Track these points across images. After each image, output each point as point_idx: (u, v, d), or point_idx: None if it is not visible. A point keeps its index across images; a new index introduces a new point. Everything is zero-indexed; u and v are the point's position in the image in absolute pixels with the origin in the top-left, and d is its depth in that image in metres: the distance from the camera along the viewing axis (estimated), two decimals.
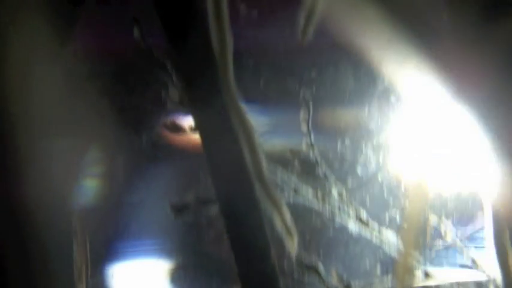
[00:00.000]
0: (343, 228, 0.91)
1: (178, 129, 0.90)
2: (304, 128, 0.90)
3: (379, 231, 0.91)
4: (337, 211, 0.90)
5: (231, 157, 0.65)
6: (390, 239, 0.91)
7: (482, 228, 0.91)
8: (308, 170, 0.91)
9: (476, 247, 0.92)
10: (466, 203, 0.91)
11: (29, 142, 0.62)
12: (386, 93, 0.89)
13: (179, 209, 0.88)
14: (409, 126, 0.89)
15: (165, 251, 0.95)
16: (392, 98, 0.89)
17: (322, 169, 0.91)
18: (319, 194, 0.90)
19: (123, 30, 0.85)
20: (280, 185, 0.89)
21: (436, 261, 0.93)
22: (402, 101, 0.87)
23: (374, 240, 0.91)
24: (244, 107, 0.62)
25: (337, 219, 0.91)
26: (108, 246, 0.91)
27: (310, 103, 0.89)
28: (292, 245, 0.65)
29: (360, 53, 0.72)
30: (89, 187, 0.89)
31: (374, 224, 0.91)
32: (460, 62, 0.63)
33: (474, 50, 0.62)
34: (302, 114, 0.90)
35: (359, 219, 0.91)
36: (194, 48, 0.64)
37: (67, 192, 0.71)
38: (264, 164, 0.63)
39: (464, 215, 0.93)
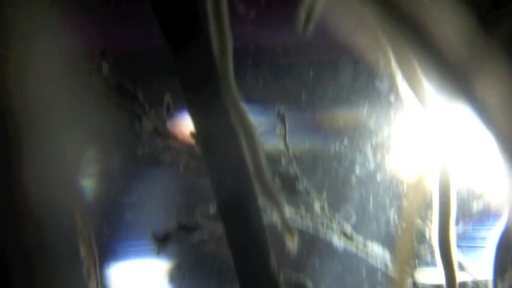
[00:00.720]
0: (329, 244, 0.91)
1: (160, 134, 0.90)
2: (281, 143, 0.89)
3: (365, 245, 0.91)
4: (320, 227, 0.90)
5: (231, 160, 0.65)
6: (376, 252, 0.90)
7: (477, 227, 0.92)
8: (289, 186, 0.90)
9: (469, 247, 0.92)
10: (461, 201, 0.91)
11: (32, 140, 0.62)
12: (385, 93, 0.89)
13: (162, 240, 0.88)
14: (408, 126, 0.89)
15: (164, 251, 0.95)
16: (392, 98, 0.89)
17: (303, 184, 0.90)
18: (302, 212, 0.90)
19: (123, 28, 0.85)
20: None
21: (427, 262, 0.93)
22: (401, 101, 0.87)
23: (361, 254, 0.91)
24: (245, 107, 0.62)
25: (322, 235, 0.90)
26: (107, 246, 0.91)
27: (286, 117, 0.89)
28: (292, 244, 0.65)
29: (359, 52, 0.73)
30: (88, 186, 0.89)
31: (359, 238, 0.91)
32: (461, 60, 0.63)
33: (476, 47, 0.62)
34: (278, 129, 0.89)
35: (343, 233, 0.90)
36: (194, 50, 0.64)
37: (70, 190, 0.71)
38: (265, 163, 0.63)
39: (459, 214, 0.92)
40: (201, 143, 0.67)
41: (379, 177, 0.93)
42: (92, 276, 0.85)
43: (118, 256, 0.95)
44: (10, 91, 0.61)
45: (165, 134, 0.88)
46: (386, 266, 0.90)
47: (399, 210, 0.92)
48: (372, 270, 0.92)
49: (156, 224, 0.94)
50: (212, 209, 0.87)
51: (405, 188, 0.91)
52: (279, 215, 0.65)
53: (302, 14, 0.64)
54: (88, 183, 0.89)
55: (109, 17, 0.86)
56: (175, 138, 0.87)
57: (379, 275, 0.91)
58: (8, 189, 0.62)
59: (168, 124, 0.88)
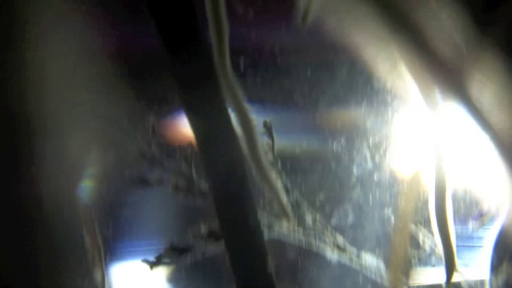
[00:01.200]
0: (322, 257, 0.90)
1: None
2: (270, 156, 0.88)
3: (358, 256, 0.90)
4: (313, 240, 0.89)
5: (230, 159, 0.66)
6: (370, 263, 0.90)
7: (475, 228, 0.92)
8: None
9: (466, 246, 0.92)
10: (458, 201, 0.91)
11: (43, 141, 0.62)
12: (382, 93, 0.89)
13: (154, 263, 0.87)
14: (405, 126, 0.89)
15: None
16: (388, 98, 0.89)
17: (293, 196, 0.88)
18: (293, 226, 0.88)
19: (125, 28, 0.85)
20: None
21: (426, 262, 0.93)
22: (397, 101, 0.87)
23: (355, 265, 0.90)
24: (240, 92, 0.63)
25: (315, 249, 0.89)
26: (107, 246, 0.91)
27: (273, 129, 0.88)
28: (289, 225, 0.66)
29: (355, 52, 0.73)
30: (89, 186, 0.89)
31: (353, 249, 0.90)
32: (455, 60, 0.63)
33: (469, 45, 0.62)
34: (266, 142, 0.88)
35: (336, 246, 0.89)
36: (191, 49, 0.64)
37: (74, 189, 0.71)
38: (261, 147, 0.63)
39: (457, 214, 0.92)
40: (198, 143, 0.68)
41: (376, 177, 0.93)
42: (97, 266, 0.85)
43: (118, 256, 0.95)
44: (27, 95, 0.61)
45: (151, 157, 0.87)
46: (381, 276, 0.90)
47: (397, 210, 0.92)
48: (366, 280, 0.91)
49: (156, 224, 0.94)
50: (204, 229, 0.87)
51: (403, 187, 0.91)
52: (276, 198, 0.66)
53: (301, 5, 0.64)
54: (90, 184, 0.90)
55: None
56: (162, 159, 0.87)
57: (375, 285, 0.90)
58: (18, 186, 0.62)
59: (154, 146, 0.87)
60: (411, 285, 0.88)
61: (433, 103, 0.67)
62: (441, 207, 0.69)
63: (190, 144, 0.87)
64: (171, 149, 0.90)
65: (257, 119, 0.78)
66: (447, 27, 0.62)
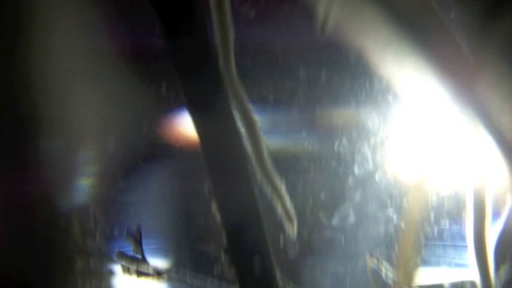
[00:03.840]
0: None
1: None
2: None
3: None
4: None
5: (232, 157, 0.65)
6: None
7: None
8: None
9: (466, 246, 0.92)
10: (458, 201, 0.91)
11: (47, 143, 0.62)
12: (384, 93, 0.89)
13: None
14: (407, 127, 0.89)
15: (163, 251, 0.95)
16: (390, 98, 0.89)
17: None
18: None
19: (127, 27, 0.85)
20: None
21: (431, 261, 0.93)
22: (400, 102, 0.87)
23: None
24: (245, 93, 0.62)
25: None
26: (107, 246, 0.91)
27: None
28: (292, 229, 0.65)
29: (358, 52, 0.73)
30: (88, 186, 0.89)
31: None
32: (459, 61, 0.63)
33: (474, 48, 0.62)
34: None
35: None
36: (192, 42, 0.64)
37: (67, 191, 0.71)
38: (266, 151, 0.63)
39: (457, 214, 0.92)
40: (202, 144, 0.67)
41: (377, 177, 0.93)
42: (84, 279, 0.85)
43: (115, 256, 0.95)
44: (36, 97, 0.61)
45: (97, 251, 0.86)
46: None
47: (398, 210, 0.92)
48: None
49: (156, 224, 0.94)
50: None
51: (404, 188, 0.91)
52: (279, 202, 0.65)
53: (320, 14, 0.64)
54: (87, 183, 0.89)
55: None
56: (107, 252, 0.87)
57: None
58: (17, 189, 0.62)
59: (98, 238, 0.87)
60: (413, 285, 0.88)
61: (439, 105, 0.67)
62: (480, 233, 0.69)
63: (138, 225, 0.87)
64: (172, 151, 0.90)
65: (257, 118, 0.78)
66: (455, 29, 0.62)
